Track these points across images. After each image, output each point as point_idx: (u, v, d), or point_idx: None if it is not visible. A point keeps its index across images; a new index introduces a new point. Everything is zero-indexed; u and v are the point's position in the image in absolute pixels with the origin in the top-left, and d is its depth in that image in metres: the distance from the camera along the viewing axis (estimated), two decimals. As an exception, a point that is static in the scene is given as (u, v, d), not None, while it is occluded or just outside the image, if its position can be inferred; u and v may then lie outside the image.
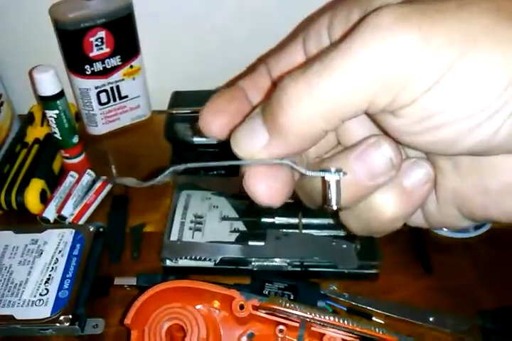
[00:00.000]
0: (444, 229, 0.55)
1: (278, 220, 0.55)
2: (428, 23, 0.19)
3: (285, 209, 0.55)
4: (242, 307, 0.42)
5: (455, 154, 0.22)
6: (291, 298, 0.47)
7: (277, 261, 0.50)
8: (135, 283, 0.51)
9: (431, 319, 0.45)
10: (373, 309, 0.47)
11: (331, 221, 0.53)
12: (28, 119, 0.68)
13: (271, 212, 0.55)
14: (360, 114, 0.21)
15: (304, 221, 0.54)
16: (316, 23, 0.24)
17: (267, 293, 0.47)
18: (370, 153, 0.23)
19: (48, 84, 0.57)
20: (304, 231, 0.53)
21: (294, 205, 0.52)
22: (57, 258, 0.52)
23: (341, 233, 0.53)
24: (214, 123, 0.26)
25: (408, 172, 0.24)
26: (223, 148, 0.61)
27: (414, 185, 0.25)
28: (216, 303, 0.44)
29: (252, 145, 0.23)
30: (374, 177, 0.23)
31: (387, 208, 0.25)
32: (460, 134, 0.20)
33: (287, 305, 0.39)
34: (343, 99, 0.20)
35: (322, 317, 0.39)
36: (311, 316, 0.39)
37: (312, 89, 0.20)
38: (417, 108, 0.20)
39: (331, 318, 0.39)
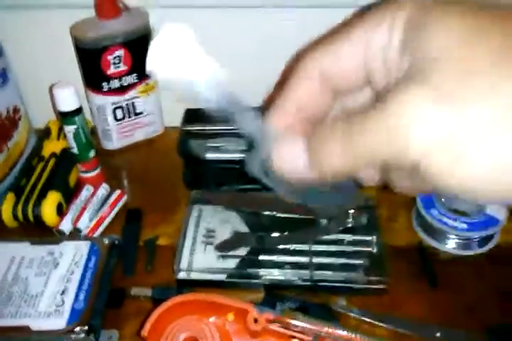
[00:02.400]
0: (451, 246, 0.56)
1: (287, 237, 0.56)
2: (459, 119, 0.20)
3: (294, 226, 0.56)
4: (256, 320, 0.43)
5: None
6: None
7: (287, 276, 0.52)
8: (150, 294, 0.52)
9: (438, 334, 0.47)
10: (382, 324, 0.48)
11: (340, 248, 0.55)
12: (44, 133, 0.70)
13: (280, 227, 0.56)
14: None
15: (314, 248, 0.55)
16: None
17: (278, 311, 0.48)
18: None
19: (68, 101, 0.59)
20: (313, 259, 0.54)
21: (301, 223, 0.55)
22: (73, 270, 0.53)
23: (350, 249, 0.55)
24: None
25: None
26: (235, 165, 0.62)
27: None
28: (230, 316, 0.45)
29: (290, 166, 0.26)
30: None
31: None
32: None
33: (300, 318, 0.41)
34: (369, 157, 0.22)
35: (335, 331, 0.40)
36: (324, 330, 0.40)
37: (346, 148, 0.23)
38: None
39: (344, 333, 0.40)
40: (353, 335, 0.41)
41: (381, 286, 0.51)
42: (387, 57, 0.24)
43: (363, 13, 0.24)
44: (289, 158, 0.26)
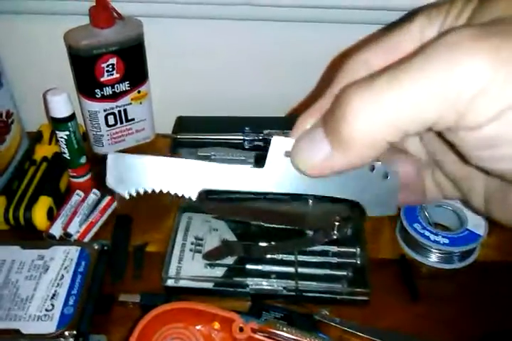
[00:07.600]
0: (433, 260, 0.58)
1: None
2: (506, 48, 0.18)
3: (281, 236, 0.58)
4: (241, 329, 0.44)
5: None
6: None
7: (273, 286, 0.53)
8: (138, 301, 0.54)
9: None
10: (363, 334, 0.50)
11: (325, 259, 0.57)
12: (36, 137, 0.70)
13: (268, 237, 0.58)
14: (424, 130, 0.21)
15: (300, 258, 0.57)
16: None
17: (263, 320, 0.50)
18: None
19: (61, 107, 0.60)
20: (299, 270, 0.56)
21: (288, 233, 0.57)
22: (62, 275, 0.54)
23: (334, 260, 0.56)
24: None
25: None
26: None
27: None
28: (216, 325, 0.46)
29: (313, 157, 0.23)
30: None
31: None
32: None
33: (284, 329, 0.42)
34: (409, 114, 0.20)
35: (316, 341, 0.42)
36: (305, 340, 0.42)
37: (379, 101, 0.20)
38: (481, 134, 0.19)
39: (325, 343, 0.42)
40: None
41: (363, 298, 0.53)
42: None
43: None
44: (305, 149, 0.23)
